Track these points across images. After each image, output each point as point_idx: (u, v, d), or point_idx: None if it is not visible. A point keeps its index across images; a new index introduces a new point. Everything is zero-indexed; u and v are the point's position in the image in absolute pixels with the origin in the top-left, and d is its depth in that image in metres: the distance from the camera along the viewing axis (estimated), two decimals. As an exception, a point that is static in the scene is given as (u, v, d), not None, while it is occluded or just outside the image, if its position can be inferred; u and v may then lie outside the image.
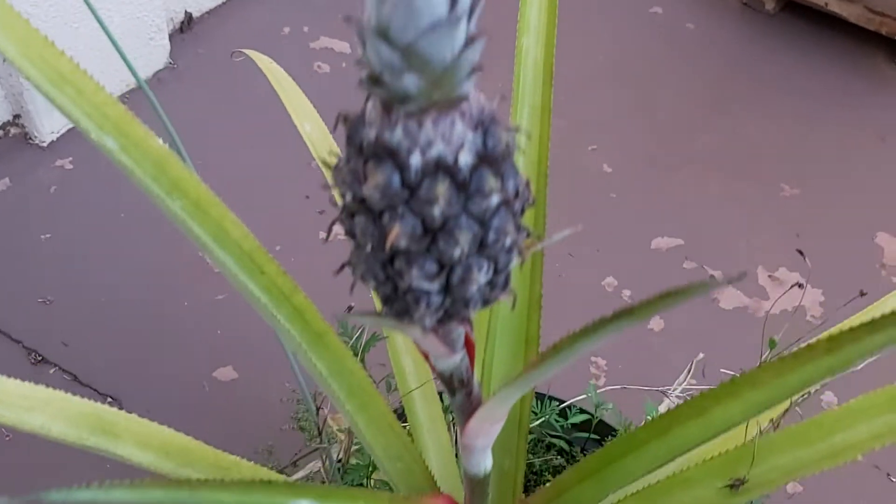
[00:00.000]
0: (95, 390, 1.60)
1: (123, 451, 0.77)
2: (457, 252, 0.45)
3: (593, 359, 1.74)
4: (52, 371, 1.62)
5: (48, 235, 1.82)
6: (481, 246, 0.46)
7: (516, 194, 0.46)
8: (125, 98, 2.08)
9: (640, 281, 1.86)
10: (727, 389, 0.64)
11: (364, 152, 0.44)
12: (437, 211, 0.43)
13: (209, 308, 1.75)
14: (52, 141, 1.98)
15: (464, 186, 0.43)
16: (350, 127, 0.44)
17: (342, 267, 0.50)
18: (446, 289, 0.47)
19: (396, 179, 0.43)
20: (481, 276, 0.47)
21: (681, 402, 1.29)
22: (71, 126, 1.98)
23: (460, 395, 0.61)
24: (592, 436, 1.19)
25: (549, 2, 0.75)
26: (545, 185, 0.75)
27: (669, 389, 1.25)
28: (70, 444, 0.76)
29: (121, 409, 1.60)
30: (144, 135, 0.69)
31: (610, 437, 1.18)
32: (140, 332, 1.69)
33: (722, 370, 1.10)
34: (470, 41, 0.39)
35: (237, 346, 1.69)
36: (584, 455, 1.19)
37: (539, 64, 0.75)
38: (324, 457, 1.00)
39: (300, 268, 1.84)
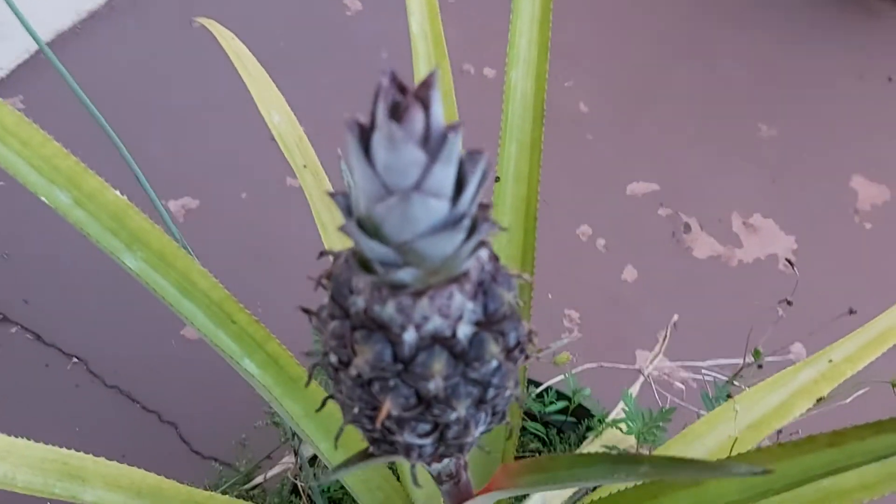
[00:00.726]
0: (60, 350, 1.56)
1: (91, 497, 0.73)
2: (453, 416, 0.41)
3: (566, 311, 1.73)
4: (13, 330, 1.57)
5: (1, 184, 1.74)
6: (480, 402, 0.42)
7: (517, 344, 0.42)
8: (77, 29, 1.95)
9: (614, 229, 1.83)
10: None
11: (351, 318, 0.39)
12: (433, 386, 0.39)
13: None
14: (1, 78, 1.86)
15: (462, 356, 0.39)
16: (334, 288, 0.39)
17: (324, 403, 0.46)
18: (440, 439, 0.44)
19: (388, 354, 0.38)
20: (478, 429, 0.44)
21: (655, 379, 1.28)
22: (21, 62, 1.86)
23: (448, 485, 0.58)
24: (569, 419, 1.18)
25: (541, 32, 0.68)
26: (534, 227, 0.71)
27: (644, 367, 1.24)
28: (35, 493, 0.73)
29: (88, 369, 1.57)
30: (99, 186, 0.63)
31: (587, 419, 1.18)
32: (104, 289, 1.64)
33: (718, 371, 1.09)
34: (473, 230, 0.34)
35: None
36: (561, 437, 1.18)
37: (528, 98, 0.69)
38: (297, 459, 0.98)
39: (266, 218, 1.79)
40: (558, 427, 1.20)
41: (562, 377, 1.20)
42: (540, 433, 1.18)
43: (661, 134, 2.00)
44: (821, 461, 0.57)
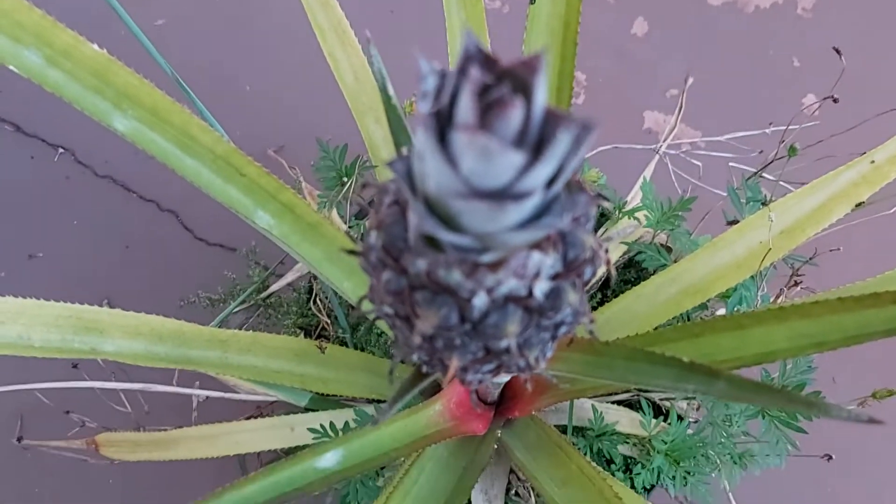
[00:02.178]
0: (44, 140, 1.48)
1: (112, 347, 0.71)
2: (522, 362, 0.37)
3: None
4: (-10, 121, 1.48)
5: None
6: (552, 339, 0.38)
7: (594, 274, 0.37)
8: None
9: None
10: (773, 315, 0.59)
11: (409, 277, 0.34)
12: (504, 343, 0.34)
13: (152, 34, 1.56)
14: None
15: (538, 310, 0.34)
16: (385, 238, 0.33)
17: (375, 319, 0.41)
18: (505, 369, 0.40)
19: (455, 318, 0.33)
20: (545, 356, 0.40)
21: (671, 158, 1.24)
22: None
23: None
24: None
25: None
26: (573, 53, 0.62)
27: (659, 147, 1.19)
28: (54, 352, 0.70)
29: (76, 160, 1.51)
30: (74, 41, 0.54)
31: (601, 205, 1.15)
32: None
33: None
34: (567, 203, 0.28)
35: (191, 80, 1.54)
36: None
37: None
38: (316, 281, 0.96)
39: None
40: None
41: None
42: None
43: None
44: (882, 318, 0.54)
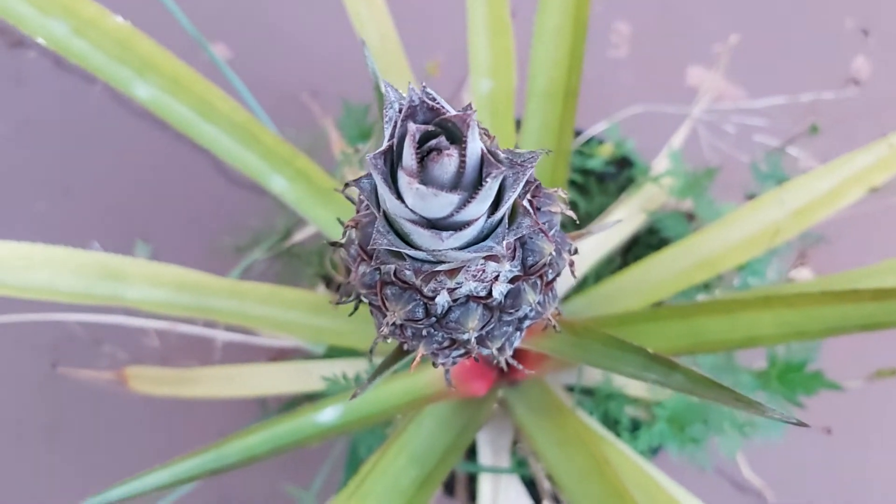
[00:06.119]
0: (82, 76, 1.52)
1: (135, 294, 0.75)
2: (485, 351, 0.40)
3: (615, 25, 1.62)
4: (32, 55, 1.52)
5: None
6: (517, 330, 0.41)
7: (558, 274, 0.40)
8: None
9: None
10: (761, 302, 0.61)
11: (381, 273, 0.36)
12: (466, 336, 0.37)
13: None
14: None
15: (499, 307, 0.37)
16: (361, 237, 0.36)
17: (356, 309, 0.44)
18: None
19: (420, 312, 0.36)
20: (512, 344, 0.42)
21: (704, 122, 1.25)
22: None
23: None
24: (609, 169, 1.16)
25: None
26: (584, 34, 0.63)
27: (692, 111, 1.18)
28: (79, 297, 0.74)
29: (113, 96, 1.55)
30: (99, 12, 0.57)
31: (627, 169, 1.15)
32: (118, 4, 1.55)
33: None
34: (511, 225, 0.30)
35: (230, 21, 1.56)
36: (600, 187, 1.17)
37: None
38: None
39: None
40: (598, 175, 1.18)
41: (605, 125, 1.16)
42: (578, 182, 1.17)
43: None
44: (861, 313, 0.56)
